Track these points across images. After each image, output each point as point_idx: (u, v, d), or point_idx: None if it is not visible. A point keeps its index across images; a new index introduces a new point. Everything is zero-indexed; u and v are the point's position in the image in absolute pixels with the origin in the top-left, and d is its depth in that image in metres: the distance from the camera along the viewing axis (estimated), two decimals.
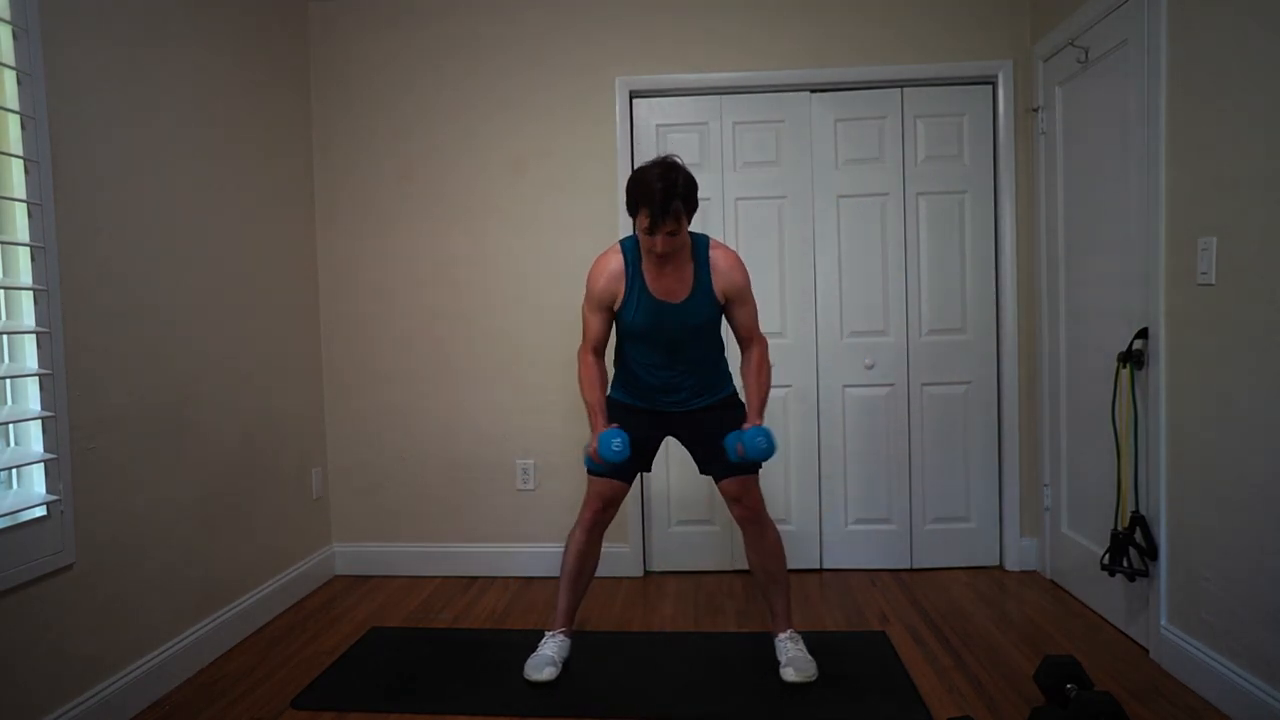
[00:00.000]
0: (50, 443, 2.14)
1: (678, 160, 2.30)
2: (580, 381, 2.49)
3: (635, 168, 2.33)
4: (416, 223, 3.54)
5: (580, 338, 2.51)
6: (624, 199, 2.35)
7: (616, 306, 2.45)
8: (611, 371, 2.62)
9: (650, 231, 2.26)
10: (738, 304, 2.46)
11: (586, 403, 2.47)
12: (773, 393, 3.44)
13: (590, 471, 2.54)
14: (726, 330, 2.55)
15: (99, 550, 2.28)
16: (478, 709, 2.35)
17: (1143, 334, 2.56)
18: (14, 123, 2.08)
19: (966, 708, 2.28)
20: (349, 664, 2.67)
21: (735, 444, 2.38)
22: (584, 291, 2.49)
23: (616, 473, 2.51)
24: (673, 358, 2.46)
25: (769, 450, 2.34)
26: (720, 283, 2.42)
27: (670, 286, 2.39)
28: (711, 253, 2.42)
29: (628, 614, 3.08)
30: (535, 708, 2.36)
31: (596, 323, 2.47)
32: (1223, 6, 2.20)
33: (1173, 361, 2.45)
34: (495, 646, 2.77)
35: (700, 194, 2.35)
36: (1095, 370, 2.88)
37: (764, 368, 2.49)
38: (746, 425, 2.39)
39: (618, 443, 2.35)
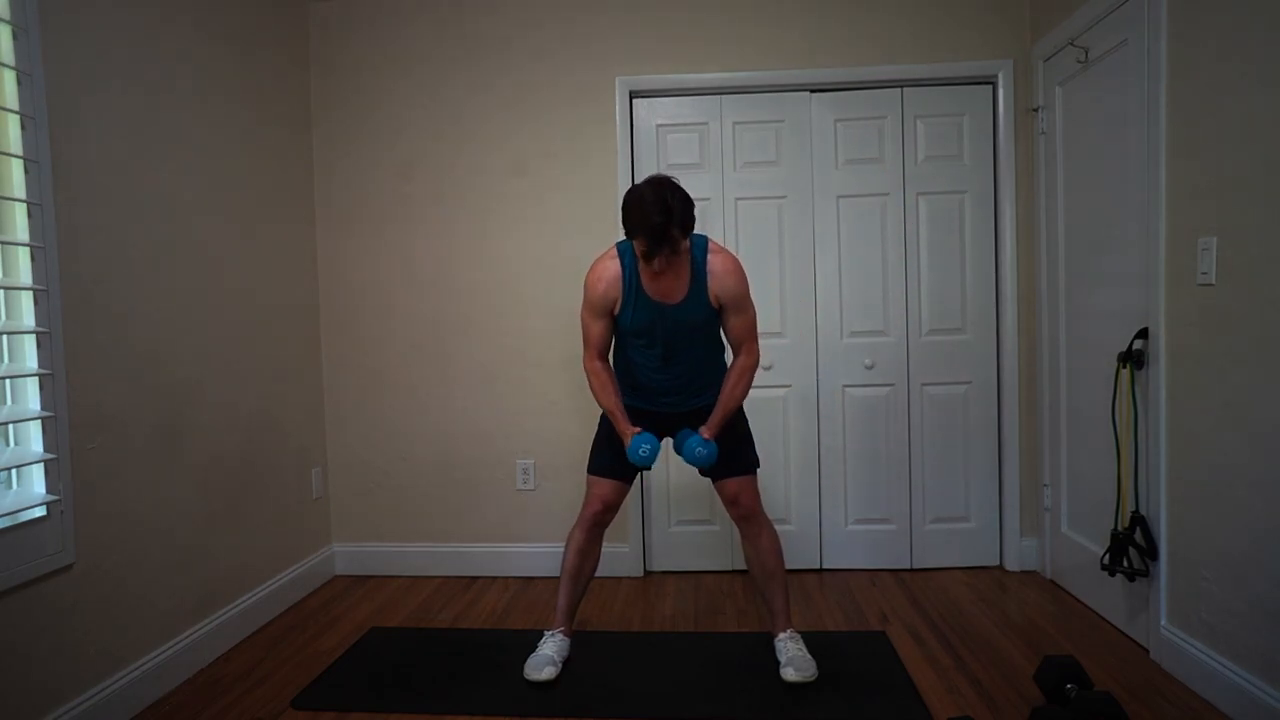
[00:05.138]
0: (50, 443, 2.14)
1: (671, 179, 2.25)
2: (594, 391, 2.49)
3: (630, 188, 2.29)
4: (416, 223, 3.54)
5: (581, 345, 2.49)
6: (622, 203, 2.33)
7: (616, 311, 2.44)
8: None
9: (648, 259, 2.23)
10: (732, 311, 2.42)
11: (606, 409, 2.48)
12: (772, 392, 3.46)
13: (590, 472, 2.54)
14: None
15: (99, 550, 2.28)
16: (478, 709, 2.35)
17: (1143, 334, 2.56)
18: (14, 123, 2.08)
19: (966, 708, 2.28)
20: (349, 664, 2.67)
21: (681, 442, 2.46)
22: (583, 295, 2.46)
23: (617, 473, 2.52)
24: (670, 359, 2.45)
25: (703, 459, 2.41)
26: (715, 286, 2.38)
27: (667, 288, 2.37)
28: (710, 256, 2.39)
29: (628, 614, 3.08)
30: (535, 707, 2.36)
31: (598, 329, 2.46)
32: (1223, 6, 2.20)
33: (1173, 361, 2.45)
34: (495, 646, 2.77)
35: (700, 194, 2.35)
36: (1095, 370, 2.88)
37: (743, 380, 2.45)
38: (704, 432, 2.43)
39: (646, 449, 2.39)
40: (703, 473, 2.56)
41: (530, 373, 3.52)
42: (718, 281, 2.38)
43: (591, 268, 2.45)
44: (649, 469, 2.48)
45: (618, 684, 2.48)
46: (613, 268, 2.41)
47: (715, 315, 2.45)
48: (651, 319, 2.40)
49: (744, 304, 2.42)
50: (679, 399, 2.50)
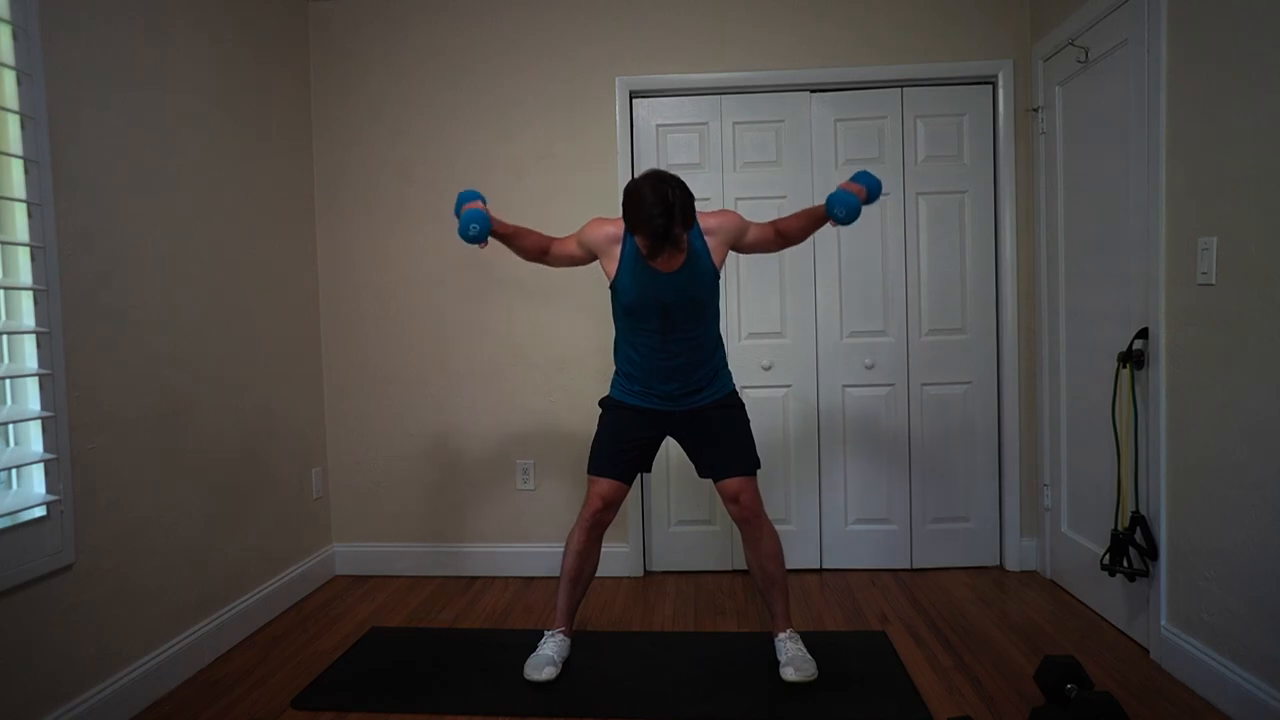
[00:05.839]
0: (50, 443, 2.14)
1: (668, 174, 2.25)
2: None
3: (629, 183, 2.29)
4: (416, 223, 3.54)
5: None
6: (622, 198, 2.33)
7: (611, 273, 2.46)
8: (610, 372, 2.62)
9: (651, 257, 2.26)
10: (748, 231, 2.49)
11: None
12: (772, 392, 3.46)
13: (590, 472, 2.54)
14: (725, 329, 2.54)
15: (99, 550, 2.28)
16: (478, 709, 2.35)
17: (1143, 334, 2.56)
18: (14, 123, 2.08)
19: (966, 708, 2.28)
20: (349, 664, 2.67)
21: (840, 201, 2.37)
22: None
23: (617, 473, 2.52)
24: (667, 333, 2.44)
25: (849, 198, 2.36)
26: (720, 240, 2.45)
27: (665, 259, 2.37)
28: (702, 224, 2.43)
29: (628, 614, 3.08)
30: (535, 708, 2.36)
31: (569, 244, 2.55)
32: (1223, 7, 2.20)
33: (1173, 361, 2.45)
34: (495, 646, 2.77)
35: (700, 194, 2.36)
36: (1095, 370, 2.88)
37: (797, 213, 2.55)
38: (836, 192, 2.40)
39: (475, 228, 2.37)
40: (701, 474, 2.57)
41: (530, 372, 3.52)
42: (719, 234, 2.46)
43: (598, 218, 2.54)
44: (477, 233, 2.38)
45: (618, 684, 2.48)
46: (614, 228, 2.47)
47: (714, 287, 2.47)
48: (649, 286, 2.40)
49: (748, 223, 2.51)
50: (678, 387, 2.49)
